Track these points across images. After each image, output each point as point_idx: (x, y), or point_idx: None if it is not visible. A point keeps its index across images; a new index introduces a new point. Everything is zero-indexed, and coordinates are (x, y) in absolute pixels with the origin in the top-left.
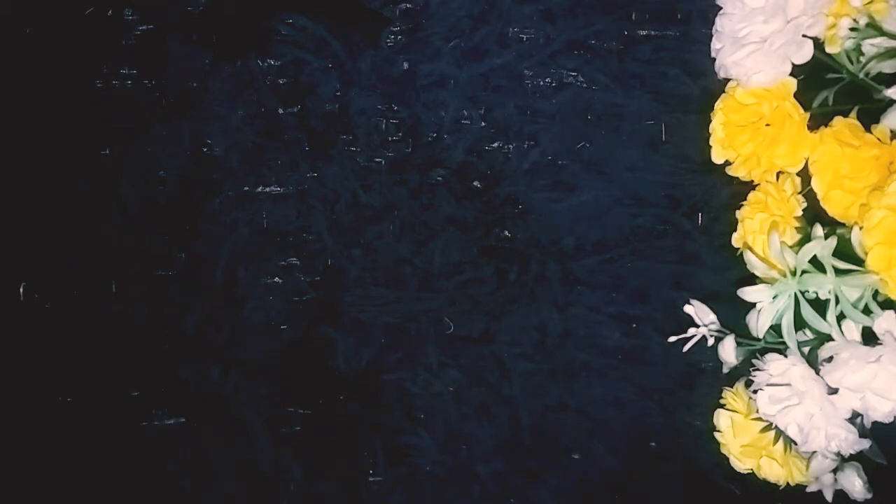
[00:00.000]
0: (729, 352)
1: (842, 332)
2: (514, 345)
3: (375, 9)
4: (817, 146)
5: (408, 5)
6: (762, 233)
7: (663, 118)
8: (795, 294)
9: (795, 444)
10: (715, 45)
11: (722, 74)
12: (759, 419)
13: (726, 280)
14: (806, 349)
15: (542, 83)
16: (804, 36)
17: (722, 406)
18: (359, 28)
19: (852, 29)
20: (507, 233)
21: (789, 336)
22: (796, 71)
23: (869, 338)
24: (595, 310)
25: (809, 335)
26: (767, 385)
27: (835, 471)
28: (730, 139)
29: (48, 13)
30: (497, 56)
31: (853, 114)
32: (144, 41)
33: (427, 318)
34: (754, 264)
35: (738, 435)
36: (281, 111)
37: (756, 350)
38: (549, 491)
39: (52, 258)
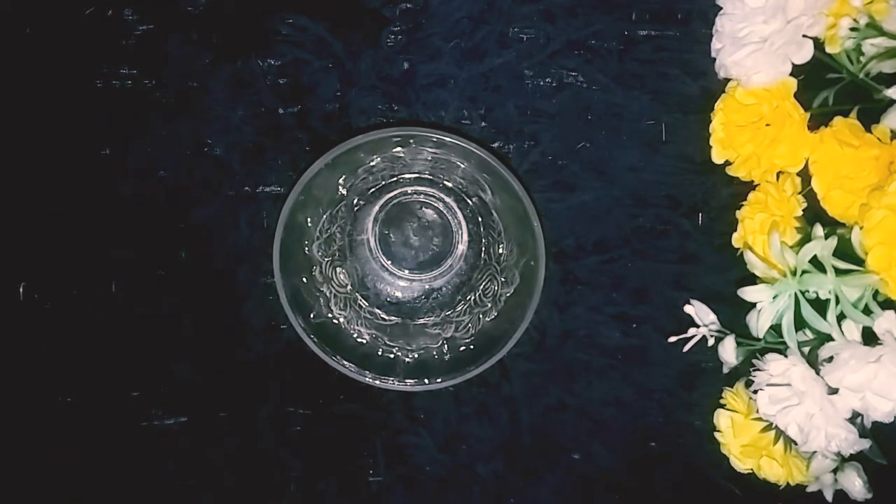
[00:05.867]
0: (729, 352)
1: (842, 332)
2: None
3: (375, 9)
4: (817, 146)
5: (408, 5)
6: (762, 233)
7: (663, 118)
8: (795, 294)
9: (795, 444)
10: (715, 45)
11: (722, 74)
12: (759, 419)
13: (726, 280)
14: (806, 349)
15: (542, 83)
16: (804, 36)
17: (722, 406)
18: (359, 28)
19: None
20: None
21: (789, 336)
22: (796, 71)
23: (869, 338)
24: (595, 310)
25: (809, 335)
26: (767, 385)
27: (835, 471)
28: (730, 139)
29: (48, 13)
30: (497, 56)
31: (853, 114)
32: (144, 41)
33: None
34: (754, 264)
35: (738, 435)
36: (281, 111)
37: (756, 350)
38: (549, 491)
39: (52, 258)
